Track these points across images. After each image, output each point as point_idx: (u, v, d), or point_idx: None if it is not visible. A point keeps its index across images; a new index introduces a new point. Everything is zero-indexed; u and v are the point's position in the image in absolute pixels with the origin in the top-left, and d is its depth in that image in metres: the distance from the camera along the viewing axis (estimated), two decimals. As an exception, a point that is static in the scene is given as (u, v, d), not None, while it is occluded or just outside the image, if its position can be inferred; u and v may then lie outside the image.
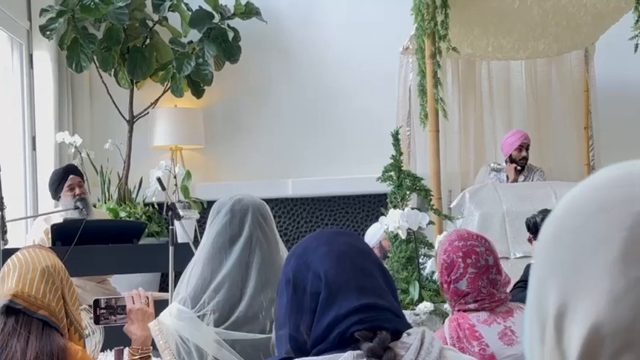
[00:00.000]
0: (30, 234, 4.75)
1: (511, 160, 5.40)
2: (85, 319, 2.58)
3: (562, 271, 0.56)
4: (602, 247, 0.54)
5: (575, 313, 0.54)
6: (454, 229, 2.39)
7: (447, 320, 2.27)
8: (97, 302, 2.35)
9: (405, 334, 1.27)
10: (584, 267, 0.54)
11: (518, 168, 5.39)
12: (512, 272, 2.65)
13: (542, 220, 3.19)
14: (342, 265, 1.30)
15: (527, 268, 3.11)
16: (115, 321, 2.33)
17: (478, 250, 2.25)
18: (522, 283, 2.97)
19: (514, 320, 2.21)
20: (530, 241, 3.38)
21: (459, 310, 2.24)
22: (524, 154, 5.38)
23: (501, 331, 2.18)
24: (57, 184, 4.60)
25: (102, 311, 2.33)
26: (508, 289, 2.44)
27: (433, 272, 3.92)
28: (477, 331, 2.16)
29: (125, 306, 2.30)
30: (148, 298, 2.31)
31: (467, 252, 2.24)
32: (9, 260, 2.01)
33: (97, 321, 2.35)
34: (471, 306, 2.22)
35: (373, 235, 4.76)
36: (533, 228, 3.22)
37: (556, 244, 0.57)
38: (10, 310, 1.91)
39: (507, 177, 5.43)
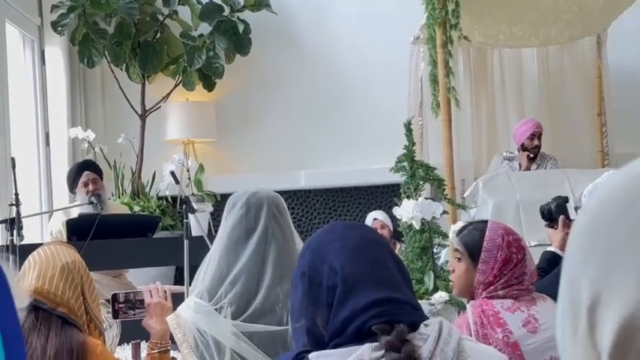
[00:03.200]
0: (49, 225, 4.78)
1: (523, 148, 5.39)
2: (102, 313, 2.59)
3: (596, 261, 0.56)
4: (637, 237, 0.53)
5: (609, 304, 0.54)
6: (493, 221, 2.38)
7: (469, 306, 2.24)
8: (115, 297, 2.36)
9: (422, 326, 1.27)
10: (618, 257, 0.54)
11: (531, 156, 5.37)
12: (527, 261, 2.64)
13: (556, 207, 3.18)
14: (358, 259, 1.31)
15: (544, 254, 3.10)
16: (134, 315, 2.34)
17: (523, 244, 2.28)
18: (539, 271, 2.96)
19: (537, 309, 2.20)
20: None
21: (485, 297, 2.23)
22: (536, 142, 5.35)
23: (525, 318, 2.17)
24: (72, 179, 4.64)
25: (120, 305, 2.34)
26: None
27: (447, 262, 3.92)
28: (502, 318, 2.16)
29: (143, 300, 2.31)
30: (165, 292, 2.32)
31: (519, 247, 2.25)
32: (30, 256, 2.02)
33: (115, 315, 2.36)
34: (500, 292, 2.21)
35: None
36: (548, 215, 3.21)
37: (591, 233, 0.57)
38: (30, 306, 1.93)
39: (520, 165, 5.41)
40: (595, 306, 0.55)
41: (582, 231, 0.58)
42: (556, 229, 3.14)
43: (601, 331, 0.54)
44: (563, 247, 3.05)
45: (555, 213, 3.16)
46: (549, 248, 3.12)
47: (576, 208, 3.14)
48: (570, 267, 0.59)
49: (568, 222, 3.13)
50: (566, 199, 3.25)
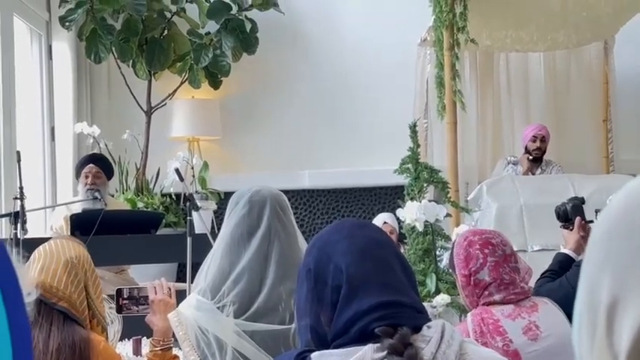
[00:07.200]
0: (50, 220, 4.79)
1: (526, 150, 5.42)
2: (105, 308, 2.59)
3: (617, 262, 0.56)
4: None
5: (628, 306, 0.54)
6: (473, 230, 2.39)
7: (469, 314, 2.22)
8: (119, 292, 2.35)
9: (425, 327, 1.27)
10: (637, 261, 0.54)
11: (530, 158, 5.38)
12: (530, 265, 2.63)
13: (572, 207, 3.04)
14: (364, 260, 1.30)
15: (557, 256, 2.99)
16: (137, 311, 2.33)
17: (494, 242, 2.25)
18: (549, 273, 2.87)
19: (539, 315, 2.17)
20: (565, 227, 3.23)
21: (483, 304, 2.21)
22: (537, 144, 5.38)
23: (525, 325, 2.14)
24: (78, 168, 4.73)
25: (124, 301, 2.33)
26: (532, 281, 2.41)
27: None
28: (501, 326, 2.13)
29: (147, 296, 2.30)
30: (170, 289, 2.31)
31: (483, 243, 2.24)
32: (35, 250, 2.02)
33: (119, 310, 2.35)
34: (497, 297, 2.19)
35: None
36: (563, 216, 3.09)
37: (612, 235, 0.58)
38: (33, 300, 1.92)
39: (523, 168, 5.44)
40: (614, 307, 0.55)
41: (603, 234, 0.59)
42: (571, 230, 3.05)
43: (619, 332, 0.54)
44: (577, 250, 2.92)
45: (571, 214, 3.04)
46: (563, 250, 2.99)
47: (597, 212, 2.99)
48: (591, 266, 0.59)
49: (584, 224, 3.02)
50: (582, 200, 3.12)
